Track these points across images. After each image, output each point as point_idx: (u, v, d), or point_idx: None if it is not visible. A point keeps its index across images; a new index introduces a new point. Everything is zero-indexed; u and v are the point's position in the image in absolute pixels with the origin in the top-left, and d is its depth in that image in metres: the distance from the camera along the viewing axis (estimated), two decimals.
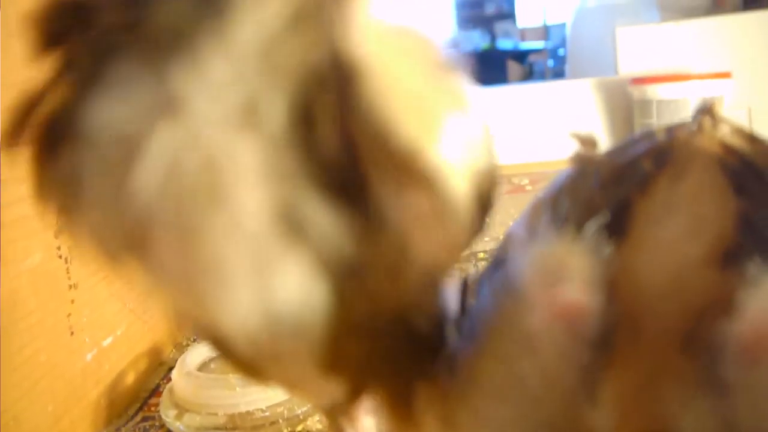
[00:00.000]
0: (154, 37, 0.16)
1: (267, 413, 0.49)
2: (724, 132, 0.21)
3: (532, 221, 0.22)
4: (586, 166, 0.22)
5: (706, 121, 0.22)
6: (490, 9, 4.10)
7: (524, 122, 1.47)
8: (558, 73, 3.16)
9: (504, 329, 0.19)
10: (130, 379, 0.59)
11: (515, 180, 1.21)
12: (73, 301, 0.51)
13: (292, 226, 0.16)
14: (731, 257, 0.17)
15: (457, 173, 0.19)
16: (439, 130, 0.18)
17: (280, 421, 0.49)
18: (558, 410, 0.18)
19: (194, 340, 0.64)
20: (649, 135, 0.23)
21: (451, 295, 0.22)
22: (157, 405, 0.55)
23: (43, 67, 0.17)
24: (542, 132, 1.43)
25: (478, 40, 3.86)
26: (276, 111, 0.16)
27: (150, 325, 0.64)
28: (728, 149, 0.20)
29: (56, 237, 0.48)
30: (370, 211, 0.17)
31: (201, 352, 0.56)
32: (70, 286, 0.50)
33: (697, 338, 0.17)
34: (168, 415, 0.51)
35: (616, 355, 0.17)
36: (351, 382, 0.20)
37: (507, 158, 0.22)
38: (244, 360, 0.20)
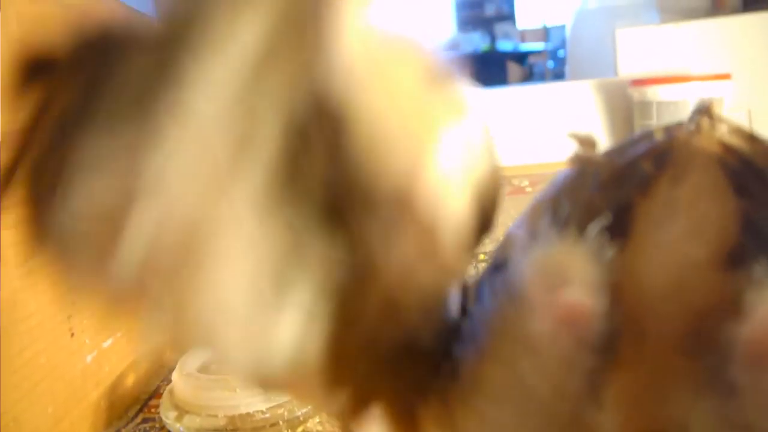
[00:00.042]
0: (117, 105, 0.16)
1: (267, 415, 0.49)
2: (723, 132, 0.21)
3: (532, 223, 0.22)
4: (585, 167, 0.22)
5: (704, 121, 0.21)
6: (490, 10, 4.10)
7: (524, 124, 1.47)
8: (558, 75, 3.16)
9: (506, 332, 0.19)
10: (131, 380, 0.59)
11: (515, 181, 1.21)
12: (73, 303, 0.51)
13: (282, 278, 0.16)
14: (735, 258, 0.17)
15: (455, 191, 0.19)
16: (434, 150, 0.18)
17: (281, 422, 0.49)
18: (562, 413, 0.17)
19: None
20: (647, 135, 0.23)
21: (452, 299, 0.22)
22: (157, 406, 0.55)
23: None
24: (542, 133, 1.43)
25: (478, 41, 3.86)
26: (257, 165, 0.15)
27: None
28: (728, 149, 0.20)
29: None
30: (363, 249, 0.17)
31: (201, 353, 0.56)
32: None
33: (702, 340, 0.17)
34: (168, 416, 0.51)
35: (619, 358, 0.17)
36: (355, 395, 0.20)
37: (507, 160, 0.22)
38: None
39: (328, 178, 0.16)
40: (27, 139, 0.17)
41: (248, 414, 0.49)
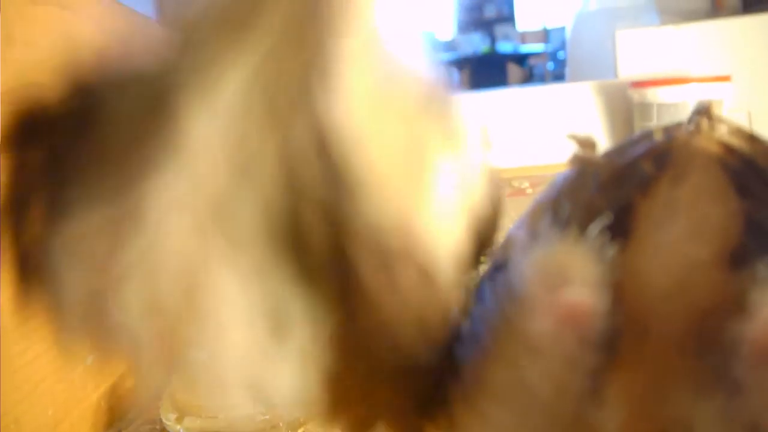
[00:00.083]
0: (106, 149, 0.15)
1: (267, 416, 0.49)
2: (723, 132, 0.21)
3: (532, 224, 0.22)
4: (585, 167, 0.22)
5: (704, 122, 0.21)
6: (490, 12, 4.10)
7: (524, 125, 1.47)
8: (558, 77, 3.16)
9: (508, 333, 0.19)
10: (131, 382, 0.59)
11: (515, 183, 1.21)
12: None
13: (278, 323, 0.16)
14: (738, 258, 0.17)
15: (452, 224, 0.19)
16: (430, 185, 0.18)
17: (281, 424, 0.49)
18: (564, 413, 0.17)
19: None
20: (647, 136, 0.23)
21: (453, 318, 0.22)
22: (157, 408, 0.55)
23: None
24: (542, 135, 1.43)
25: (478, 43, 3.86)
26: (249, 213, 0.15)
27: None
28: (728, 149, 0.20)
29: None
30: (358, 295, 0.17)
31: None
32: None
33: (704, 339, 0.17)
34: (168, 418, 0.50)
35: (622, 357, 0.17)
36: (359, 417, 0.20)
37: (507, 161, 0.22)
38: None
39: (326, 215, 0.16)
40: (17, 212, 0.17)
41: (249, 416, 0.49)
